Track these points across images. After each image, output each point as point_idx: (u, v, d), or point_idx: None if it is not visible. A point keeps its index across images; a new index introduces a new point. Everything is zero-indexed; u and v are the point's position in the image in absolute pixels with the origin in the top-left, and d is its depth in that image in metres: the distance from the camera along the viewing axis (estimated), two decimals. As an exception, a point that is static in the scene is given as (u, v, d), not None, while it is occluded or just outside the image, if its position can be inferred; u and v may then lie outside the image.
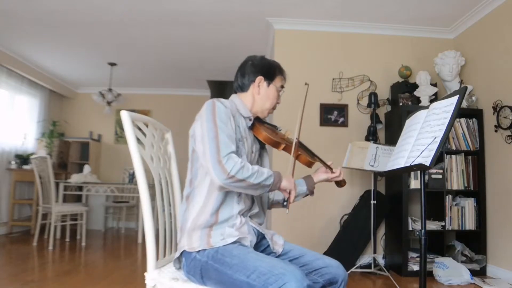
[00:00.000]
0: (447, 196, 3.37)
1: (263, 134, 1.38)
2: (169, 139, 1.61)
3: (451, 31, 3.97)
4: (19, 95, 5.42)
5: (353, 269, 3.32)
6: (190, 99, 6.67)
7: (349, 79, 3.95)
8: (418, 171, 1.66)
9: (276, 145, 1.40)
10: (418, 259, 3.26)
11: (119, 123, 6.62)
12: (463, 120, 3.46)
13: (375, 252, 3.38)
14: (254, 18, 3.90)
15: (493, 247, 3.29)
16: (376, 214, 3.31)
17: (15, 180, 5.16)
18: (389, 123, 3.79)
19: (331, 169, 1.54)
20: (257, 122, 1.43)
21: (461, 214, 3.37)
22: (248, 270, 1.12)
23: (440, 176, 3.36)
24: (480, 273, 3.26)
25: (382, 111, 3.88)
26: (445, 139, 1.41)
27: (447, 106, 1.48)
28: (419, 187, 2.46)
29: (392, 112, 3.75)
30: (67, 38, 4.50)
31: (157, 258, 1.33)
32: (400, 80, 3.77)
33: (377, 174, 3.41)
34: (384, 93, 3.89)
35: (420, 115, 1.66)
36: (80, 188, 5.42)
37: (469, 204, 3.38)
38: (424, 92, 3.54)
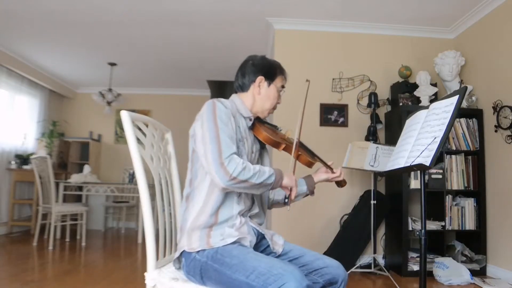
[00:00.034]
0: (447, 196, 3.37)
1: (263, 134, 1.38)
2: (169, 139, 1.61)
3: (451, 31, 3.97)
4: (19, 95, 5.42)
5: (353, 269, 3.32)
6: (190, 99, 6.67)
7: (349, 79, 3.95)
8: (418, 171, 1.66)
9: (276, 145, 1.40)
10: (418, 259, 3.26)
11: (119, 123, 6.62)
12: (463, 120, 3.46)
13: (375, 252, 3.38)
14: (254, 18, 3.90)
15: (493, 247, 3.29)
16: (376, 214, 3.31)
17: (15, 180, 5.16)
18: (389, 123, 3.79)
19: (331, 169, 1.54)
20: (258, 122, 1.42)
21: (461, 214, 3.37)
22: (247, 270, 1.12)
23: (440, 176, 3.36)
24: (480, 273, 3.26)
25: (382, 111, 3.88)
26: (445, 139, 1.41)
27: (447, 106, 1.48)
28: (419, 187, 2.47)
29: (392, 112, 3.75)
30: (67, 38, 4.50)
31: (157, 258, 1.33)
32: (400, 80, 3.77)
33: (377, 174, 3.41)
34: (384, 93, 3.89)
35: (420, 115, 1.66)
36: (80, 188, 5.42)
37: (469, 204, 3.38)
38: (424, 92, 3.54)
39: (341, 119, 3.90)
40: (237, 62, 1.55)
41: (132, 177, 5.59)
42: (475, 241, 3.41)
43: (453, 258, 3.21)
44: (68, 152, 6.24)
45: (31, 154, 5.24)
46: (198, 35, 4.34)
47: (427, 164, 1.41)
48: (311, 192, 1.53)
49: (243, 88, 1.45)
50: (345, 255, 3.35)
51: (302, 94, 1.48)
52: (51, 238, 4.13)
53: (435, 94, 3.58)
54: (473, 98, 3.52)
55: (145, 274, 1.30)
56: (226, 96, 1.58)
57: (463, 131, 3.46)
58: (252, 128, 1.41)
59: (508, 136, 3.15)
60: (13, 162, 5.20)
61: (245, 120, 1.40)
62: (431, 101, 3.38)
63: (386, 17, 3.79)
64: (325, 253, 3.12)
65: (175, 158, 1.63)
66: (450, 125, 1.41)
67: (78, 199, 6.03)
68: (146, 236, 1.30)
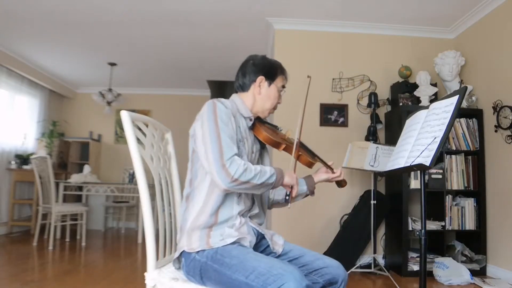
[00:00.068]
0: (447, 196, 3.37)
1: (263, 134, 1.38)
2: (169, 139, 1.61)
3: (451, 31, 3.97)
4: (19, 95, 5.42)
5: (353, 269, 3.32)
6: (190, 99, 6.67)
7: (349, 79, 3.95)
8: (418, 171, 1.66)
9: (276, 145, 1.39)
10: (418, 259, 3.26)
11: (119, 123, 6.62)
12: (463, 120, 3.46)
13: (375, 252, 3.38)
14: (254, 18, 3.90)
15: (493, 247, 3.29)
16: (376, 214, 3.31)
17: (15, 180, 5.16)
18: (389, 123, 3.79)
19: (331, 169, 1.54)
20: (258, 122, 1.42)
21: (461, 214, 3.37)
22: (247, 271, 1.12)
23: (440, 176, 3.36)
24: (480, 273, 3.26)
25: (382, 111, 3.88)
26: (445, 139, 1.41)
27: (447, 106, 1.48)
28: (419, 187, 2.46)
29: (392, 112, 3.75)
30: (67, 38, 4.50)
31: (157, 258, 1.33)
32: (400, 80, 3.77)
33: (377, 174, 3.41)
34: (384, 93, 3.89)
35: (420, 115, 1.66)
36: (80, 188, 5.42)
37: (469, 204, 3.38)
38: (424, 92, 3.54)
39: (341, 119, 3.90)
40: (237, 62, 1.55)
41: (132, 177, 5.59)
42: (475, 241, 3.41)
43: (453, 258, 3.21)
44: (68, 152, 6.24)
45: (31, 154, 5.24)
46: (198, 35, 4.34)
47: (427, 164, 1.41)
48: (311, 192, 1.53)
49: (244, 88, 1.45)
50: (345, 255, 3.35)
51: (302, 94, 1.48)
52: (51, 238, 4.13)
53: (435, 94, 3.58)
54: (473, 98, 3.52)
55: (145, 274, 1.30)
56: (226, 96, 1.58)
57: (463, 131, 3.46)
58: (252, 128, 1.41)
59: (508, 136, 3.15)
60: (13, 162, 5.20)
61: (246, 120, 1.39)
62: (431, 101, 3.38)
63: (386, 17, 3.79)
64: (325, 253, 3.12)
65: (175, 158, 1.63)
66: (450, 125, 1.41)
67: (78, 199, 6.03)
68: (146, 236, 1.30)
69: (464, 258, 3.35)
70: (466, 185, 3.41)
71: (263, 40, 4.44)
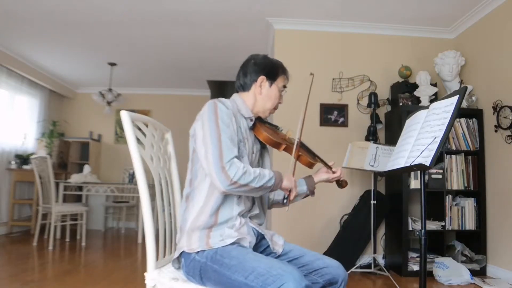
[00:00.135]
0: (447, 196, 3.37)
1: (264, 134, 1.38)
2: (169, 139, 1.60)
3: (451, 31, 3.97)
4: (19, 95, 5.42)
5: (353, 269, 3.31)
6: (190, 99, 6.67)
7: (349, 79, 3.95)
8: (418, 171, 1.66)
9: (276, 145, 1.39)
10: (418, 259, 3.26)
11: (119, 123, 6.62)
12: (463, 120, 3.46)
13: (375, 252, 3.38)
14: (254, 18, 3.90)
15: (493, 247, 3.29)
16: (376, 214, 3.31)
17: (15, 180, 5.16)
18: (389, 123, 3.79)
19: (332, 169, 1.54)
20: (258, 122, 1.42)
21: (461, 214, 3.37)
22: (246, 271, 1.12)
23: (440, 176, 3.36)
24: (480, 273, 3.26)
25: (382, 111, 3.88)
26: (445, 139, 1.41)
27: (447, 106, 1.48)
28: (419, 187, 2.46)
29: (392, 112, 3.75)
30: (67, 38, 4.50)
31: (157, 258, 1.33)
32: (400, 80, 3.77)
33: (377, 174, 3.41)
34: (384, 93, 3.89)
35: (420, 115, 1.66)
36: (80, 188, 5.42)
37: (469, 204, 3.38)
38: (424, 92, 3.54)
39: (341, 119, 3.90)
40: (237, 62, 1.54)
41: (132, 177, 5.59)
42: (475, 241, 3.40)
43: (453, 258, 3.21)
44: (68, 152, 6.24)
45: (31, 154, 5.24)
46: (198, 35, 4.34)
47: (427, 164, 1.41)
48: (311, 192, 1.53)
49: (245, 88, 1.44)
50: (345, 255, 3.35)
51: (303, 94, 1.48)
52: (51, 238, 4.13)
53: (435, 94, 3.58)
54: (473, 98, 3.52)
55: (145, 274, 1.30)
56: (226, 96, 1.57)
57: (463, 131, 3.46)
58: (252, 128, 1.41)
59: (508, 136, 3.15)
60: (13, 162, 5.20)
61: (246, 121, 1.39)
62: (431, 101, 3.38)
63: (386, 17, 3.79)
64: (325, 253, 3.12)
65: (175, 158, 1.63)
66: (450, 125, 1.41)
67: (78, 199, 6.03)
68: (146, 236, 1.30)
69: (464, 258, 3.35)
70: (466, 185, 3.41)
71: (263, 40, 4.44)
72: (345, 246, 3.47)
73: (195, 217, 1.27)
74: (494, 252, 3.28)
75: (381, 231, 3.74)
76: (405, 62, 3.84)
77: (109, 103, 5.53)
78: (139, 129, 1.36)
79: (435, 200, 3.41)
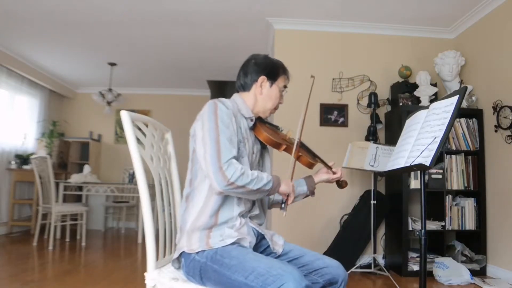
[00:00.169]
0: (447, 196, 3.37)
1: (264, 134, 1.37)
2: (169, 139, 1.60)
3: (451, 31, 3.97)
4: (19, 95, 5.42)
5: (353, 269, 3.31)
6: (190, 99, 6.67)
7: (349, 79, 3.95)
8: (418, 171, 1.66)
9: (277, 146, 1.39)
10: (418, 259, 3.26)
11: (119, 123, 6.62)
12: (463, 120, 3.46)
13: (375, 252, 3.38)
14: (254, 18, 3.90)
15: (493, 247, 3.29)
16: (376, 214, 3.31)
17: (15, 180, 5.16)
18: (389, 123, 3.79)
19: (332, 170, 1.54)
20: (258, 122, 1.42)
21: (461, 214, 3.37)
22: (246, 271, 1.12)
23: (440, 176, 3.36)
24: (480, 273, 3.26)
25: (382, 111, 3.88)
26: (445, 139, 1.41)
27: (447, 106, 1.48)
28: (419, 187, 2.46)
29: (392, 112, 3.75)
30: (67, 38, 4.50)
31: (157, 258, 1.33)
32: (400, 80, 3.77)
33: (377, 174, 3.41)
34: (384, 93, 3.89)
35: (420, 115, 1.66)
36: (80, 188, 5.42)
37: (469, 204, 3.38)
38: (424, 92, 3.54)
39: (341, 119, 3.90)
40: (237, 62, 1.54)
41: (132, 177, 5.59)
42: (475, 241, 3.41)
43: (453, 258, 3.21)
44: (68, 152, 6.24)
45: (31, 154, 5.24)
46: (198, 35, 4.34)
47: (427, 164, 1.41)
48: (311, 192, 1.53)
49: (245, 88, 1.44)
50: (345, 255, 3.35)
51: (303, 94, 1.48)
52: (51, 238, 4.13)
53: (435, 94, 3.58)
54: (473, 98, 3.52)
55: (145, 274, 1.30)
56: (226, 96, 1.57)
57: (463, 131, 3.46)
58: (253, 128, 1.41)
59: (508, 136, 3.15)
60: (13, 162, 5.20)
61: (247, 121, 1.39)
62: (431, 101, 3.38)
63: (386, 17, 3.79)
64: (325, 253, 3.12)
65: (175, 158, 1.63)
66: (450, 125, 1.41)
67: (78, 199, 6.03)
68: (146, 236, 1.30)
69: (464, 258, 3.35)
70: (466, 185, 3.41)
71: (263, 40, 4.44)
72: (345, 246, 3.47)
73: (195, 217, 1.27)
74: (494, 252, 3.28)
75: (381, 231, 3.74)
76: (405, 62, 3.84)
77: (109, 103, 5.53)
78: (139, 129, 1.36)
79: (435, 200, 3.41)
